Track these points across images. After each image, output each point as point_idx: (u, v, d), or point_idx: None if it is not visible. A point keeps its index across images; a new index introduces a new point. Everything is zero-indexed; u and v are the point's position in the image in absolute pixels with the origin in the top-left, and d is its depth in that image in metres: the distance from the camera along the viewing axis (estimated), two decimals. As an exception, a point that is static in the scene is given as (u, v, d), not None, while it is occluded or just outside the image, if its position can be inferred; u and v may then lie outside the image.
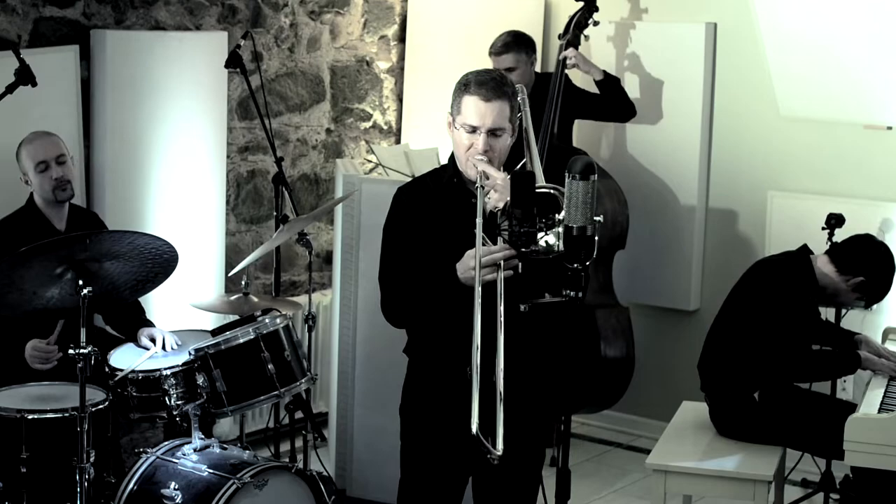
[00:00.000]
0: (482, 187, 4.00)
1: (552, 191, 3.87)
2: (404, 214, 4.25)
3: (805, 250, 5.67)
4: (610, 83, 6.90)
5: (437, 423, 4.26)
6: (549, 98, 6.75)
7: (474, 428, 3.69)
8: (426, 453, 4.31)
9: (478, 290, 3.85)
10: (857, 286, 5.55)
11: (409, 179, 4.96)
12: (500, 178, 4.00)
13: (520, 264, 3.88)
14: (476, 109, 4.11)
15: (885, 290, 5.60)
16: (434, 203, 4.23)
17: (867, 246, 5.62)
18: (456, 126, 4.17)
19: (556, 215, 3.82)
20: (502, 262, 3.92)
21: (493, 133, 4.11)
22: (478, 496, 4.38)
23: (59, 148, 5.56)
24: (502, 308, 3.87)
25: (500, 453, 3.74)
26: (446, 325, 4.14)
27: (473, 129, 4.11)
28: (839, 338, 5.86)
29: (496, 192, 3.98)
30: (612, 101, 6.92)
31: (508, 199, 3.87)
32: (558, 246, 3.80)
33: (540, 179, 4.01)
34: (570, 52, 6.76)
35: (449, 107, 4.23)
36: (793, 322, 5.51)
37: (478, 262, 3.90)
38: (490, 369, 3.83)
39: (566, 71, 6.79)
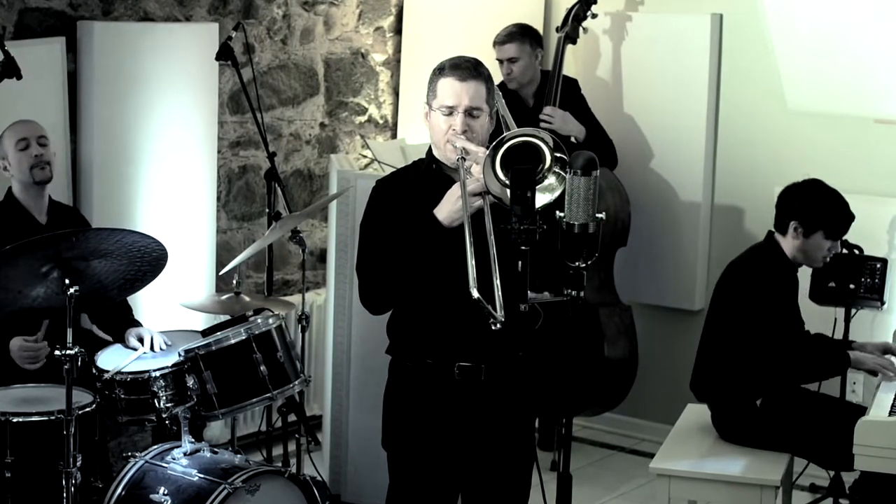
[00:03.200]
0: (463, 159, 4.04)
1: (530, 137, 3.90)
2: (385, 205, 4.27)
3: (770, 236, 5.67)
4: (595, 142, 6.80)
5: (423, 432, 4.27)
6: (546, 92, 6.78)
7: (475, 293, 3.75)
8: (413, 464, 4.32)
9: (467, 219, 3.90)
10: (804, 231, 5.53)
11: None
12: (480, 151, 4.02)
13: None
14: (452, 89, 4.17)
15: (829, 213, 5.55)
16: (414, 192, 4.25)
17: (784, 195, 5.64)
18: (433, 110, 4.23)
19: (543, 166, 3.91)
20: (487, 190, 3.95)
21: (470, 113, 4.16)
22: None
23: (41, 130, 5.59)
24: (492, 239, 3.89)
25: (502, 318, 3.77)
26: (429, 307, 4.19)
27: (450, 111, 4.17)
28: (834, 345, 5.82)
29: (477, 165, 3.99)
30: (597, 150, 6.81)
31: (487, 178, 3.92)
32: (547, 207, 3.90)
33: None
34: (548, 109, 6.73)
35: (425, 96, 4.28)
36: (783, 314, 5.51)
37: (464, 194, 3.93)
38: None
39: (561, 76, 6.81)
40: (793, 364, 5.49)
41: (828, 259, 5.62)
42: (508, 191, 3.85)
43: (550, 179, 3.91)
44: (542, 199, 3.87)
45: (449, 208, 4.05)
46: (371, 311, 4.34)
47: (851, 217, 5.58)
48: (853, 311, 6.03)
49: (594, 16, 6.89)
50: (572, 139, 6.72)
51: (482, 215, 3.95)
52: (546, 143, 3.88)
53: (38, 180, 5.52)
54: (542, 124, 6.64)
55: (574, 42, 6.85)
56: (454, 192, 4.04)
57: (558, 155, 3.88)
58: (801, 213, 5.53)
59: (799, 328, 5.71)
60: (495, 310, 3.77)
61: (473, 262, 3.80)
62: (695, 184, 7.08)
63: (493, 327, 3.78)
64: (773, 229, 5.66)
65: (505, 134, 3.91)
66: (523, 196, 3.78)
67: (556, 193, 3.90)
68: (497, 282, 3.82)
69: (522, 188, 3.79)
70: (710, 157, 7.07)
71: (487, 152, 3.89)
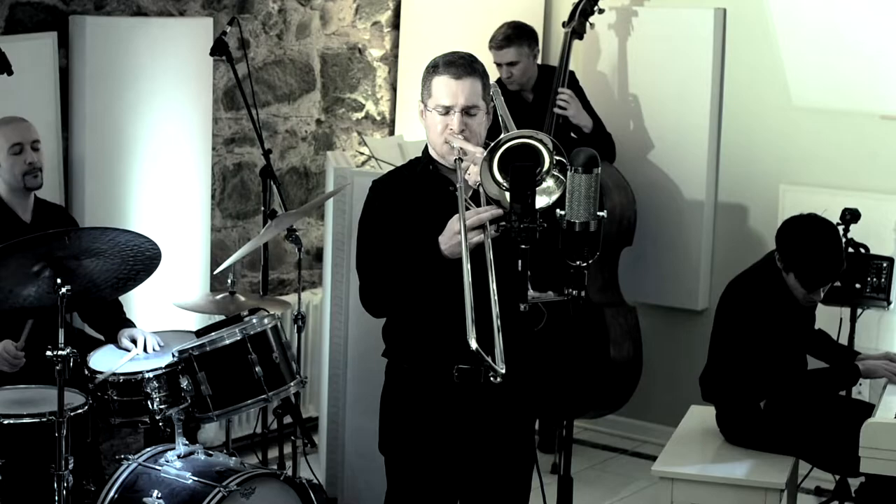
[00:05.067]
0: (461, 159, 3.99)
1: (531, 139, 3.84)
2: (382, 205, 4.24)
3: (773, 262, 5.54)
4: (598, 135, 6.77)
5: (421, 435, 4.25)
6: (553, 90, 6.72)
7: (473, 345, 3.66)
8: (411, 467, 4.30)
9: (465, 255, 3.82)
10: (783, 267, 5.43)
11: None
12: (478, 151, 3.97)
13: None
14: (447, 88, 4.11)
15: (806, 260, 5.40)
16: (411, 192, 4.22)
17: (783, 226, 5.54)
18: (428, 109, 4.17)
19: (542, 169, 3.83)
20: (488, 224, 3.88)
21: (467, 112, 4.11)
22: None
23: (34, 133, 5.54)
24: (493, 275, 3.81)
25: (502, 371, 3.70)
26: (428, 310, 4.13)
27: (447, 110, 4.12)
28: (838, 353, 5.79)
29: (475, 166, 3.93)
30: (597, 145, 6.75)
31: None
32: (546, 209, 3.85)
33: None
34: (566, 93, 6.66)
35: (419, 94, 4.23)
36: (781, 336, 5.46)
37: (463, 228, 3.87)
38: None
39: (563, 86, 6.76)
40: (801, 380, 5.47)
41: (813, 303, 5.52)
42: (507, 193, 3.79)
43: (549, 182, 3.86)
44: (539, 201, 3.81)
45: (449, 241, 3.97)
46: (371, 314, 4.31)
47: (831, 274, 5.45)
48: (859, 311, 6.00)
49: (601, 11, 6.88)
50: (584, 129, 6.70)
51: (483, 248, 3.88)
52: (545, 145, 3.82)
53: (29, 187, 5.49)
54: (557, 109, 6.63)
55: (581, 37, 6.83)
56: (454, 225, 3.96)
57: (557, 158, 3.83)
58: (782, 249, 5.46)
59: (802, 343, 5.66)
60: (495, 361, 3.70)
61: (472, 302, 3.70)
62: (698, 181, 7.06)
63: (493, 381, 3.71)
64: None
65: (503, 136, 3.85)
66: (523, 194, 3.73)
67: (554, 197, 3.85)
68: (497, 328, 3.74)
69: (522, 186, 3.74)
70: (714, 155, 7.05)
71: (484, 154, 3.83)
